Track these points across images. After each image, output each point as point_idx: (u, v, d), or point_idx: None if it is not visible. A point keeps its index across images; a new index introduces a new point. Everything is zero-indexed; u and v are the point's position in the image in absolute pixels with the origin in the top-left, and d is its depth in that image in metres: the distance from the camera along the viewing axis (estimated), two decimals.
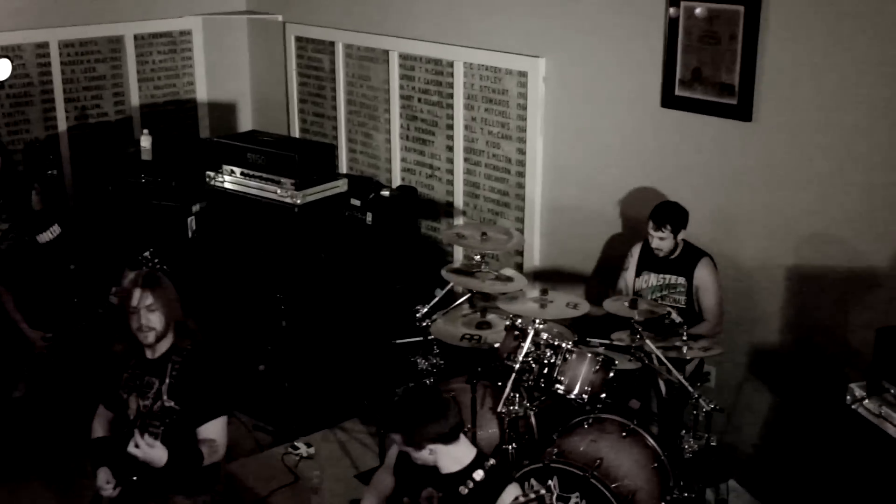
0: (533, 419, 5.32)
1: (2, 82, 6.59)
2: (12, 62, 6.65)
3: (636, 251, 5.68)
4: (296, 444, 6.08)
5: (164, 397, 3.97)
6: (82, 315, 6.20)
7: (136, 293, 4.13)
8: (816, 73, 5.10)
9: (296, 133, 8.23)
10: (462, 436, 3.70)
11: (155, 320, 4.14)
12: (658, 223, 5.43)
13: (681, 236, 5.46)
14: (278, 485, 5.74)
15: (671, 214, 5.44)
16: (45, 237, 6.10)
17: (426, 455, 3.62)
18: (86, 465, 4.31)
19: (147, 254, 4.95)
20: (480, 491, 3.51)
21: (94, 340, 5.99)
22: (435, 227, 7.26)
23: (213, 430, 4.16)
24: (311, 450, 6.03)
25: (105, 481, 4.14)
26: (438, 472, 3.63)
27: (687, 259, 5.49)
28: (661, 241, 5.45)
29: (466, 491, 3.52)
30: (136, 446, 3.86)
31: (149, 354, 4.21)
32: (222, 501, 4.43)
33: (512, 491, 3.60)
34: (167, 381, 4.01)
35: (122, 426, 4.21)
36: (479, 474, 3.54)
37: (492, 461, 3.65)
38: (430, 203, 7.24)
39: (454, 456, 3.64)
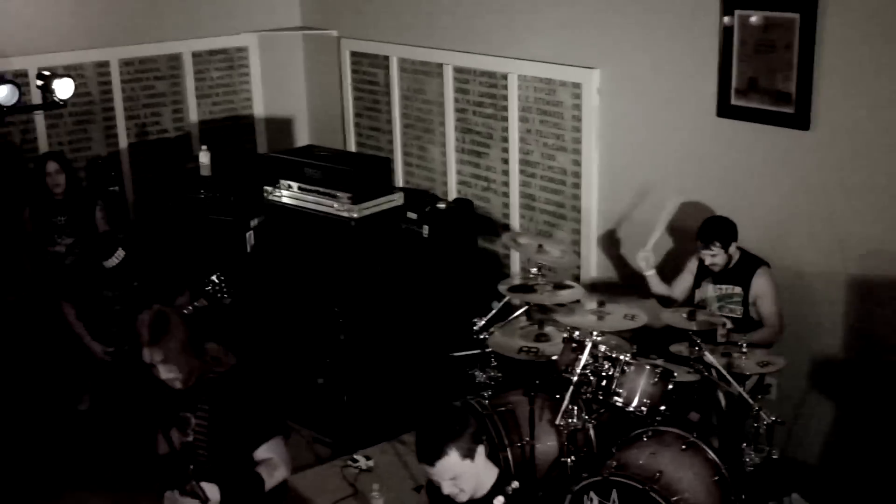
0: (592, 432, 5.29)
1: (65, 101, 6.71)
2: (74, 81, 6.77)
3: (695, 261, 5.64)
4: (355, 456, 6.10)
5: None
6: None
7: (146, 352, 3.95)
8: (874, 79, 5.04)
9: (352, 147, 8.28)
10: (481, 454, 3.46)
11: (174, 369, 3.97)
12: (706, 241, 5.39)
13: (733, 248, 5.40)
14: (337, 498, 5.76)
15: (717, 230, 5.39)
16: (111, 262, 6.17)
17: (469, 472, 3.39)
18: (154, 486, 4.28)
19: (214, 277, 4.86)
20: None
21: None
22: (492, 239, 7.26)
23: (270, 450, 4.01)
24: (370, 462, 6.05)
25: None
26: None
27: (744, 268, 5.44)
28: (714, 257, 5.40)
29: None
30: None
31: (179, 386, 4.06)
32: None
33: None
34: (191, 438, 3.90)
35: (173, 456, 4.13)
36: (499, 500, 3.36)
37: (515, 484, 3.44)
38: (486, 216, 7.25)
39: (477, 478, 3.42)
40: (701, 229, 5.44)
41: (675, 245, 6.10)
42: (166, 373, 3.97)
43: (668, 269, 5.99)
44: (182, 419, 4.02)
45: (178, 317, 4.08)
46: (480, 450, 3.45)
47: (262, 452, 4.00)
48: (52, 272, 6.64)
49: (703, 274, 5.56)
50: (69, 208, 6.81)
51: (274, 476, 3.99)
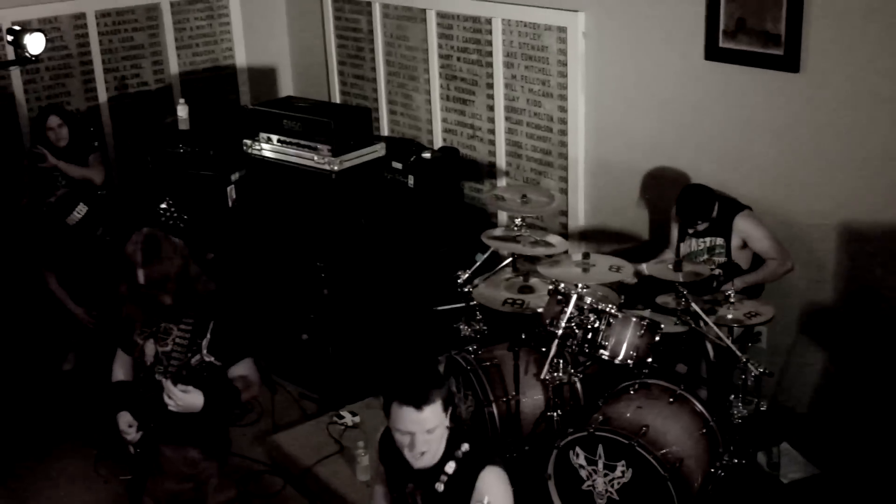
0: (578, 385, 5.22)
1: (37, 56, 6.54)
2: (47, 35, 6.60)
3: (675, 226, 5.52)
4: (341, 412, 6.04)
5: (204, 352, 3.92)
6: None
7: (140, 273, 3.99)
8: (863, 20, 4.88)
9: (336, 96, 8.13)
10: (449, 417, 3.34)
11: (167, 288, 4.02)
12: (689, 223, 5.29)
13: (714, 211, 5.28)
14: (323, 454, 5.70)
15: (697, 209, 5.27)
16: (73, 218, 6.10)
17: (440, 430, 3.25)
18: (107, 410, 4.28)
19: (164, 205, 4.83)
20: (456, 482, 3.26)
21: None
22: (478, 188, 7.14)
23: (243, 369, 4.14)
24: (356, 419, 5.99)
25: (127, 424, 4.11)
26: (413, 468, 3.33)
27: (723, 218, 5.31)
28: (699, 230, 5.30)
29: (442, 487, 3.28)
30: (170, 397, 3.86)
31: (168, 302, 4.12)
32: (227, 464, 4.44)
33: (488, 475, 3.29)
34: (208, 336, 3.94)
35: (139, 371, 4.19)
36: (450, 466, 3.27)
37: (465, 447, 3.32)
38: (472, 164, 7.12)
39: (442, 440, 3.31)
40: (680, 208, 5.32)
41: (653, 215, 6.06)
42: (158, 291, 4.00)
43: (654, 238, 5.91)
44: (165, 329, 4.10)
45: (165, 235, 4.18)
46: (450, 412, 3.31)
47: (237, 370, 4.12)
48: (38, 234, 6.50)
49: (686, 231, 5.42)
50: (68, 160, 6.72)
51: (247, 392, 4.11)
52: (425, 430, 3.21)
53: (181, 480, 4.25)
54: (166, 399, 3.89)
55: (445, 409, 3.27)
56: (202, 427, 4.14)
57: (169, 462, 4.21)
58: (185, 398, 3.89)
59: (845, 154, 5.11)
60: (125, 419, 4.13)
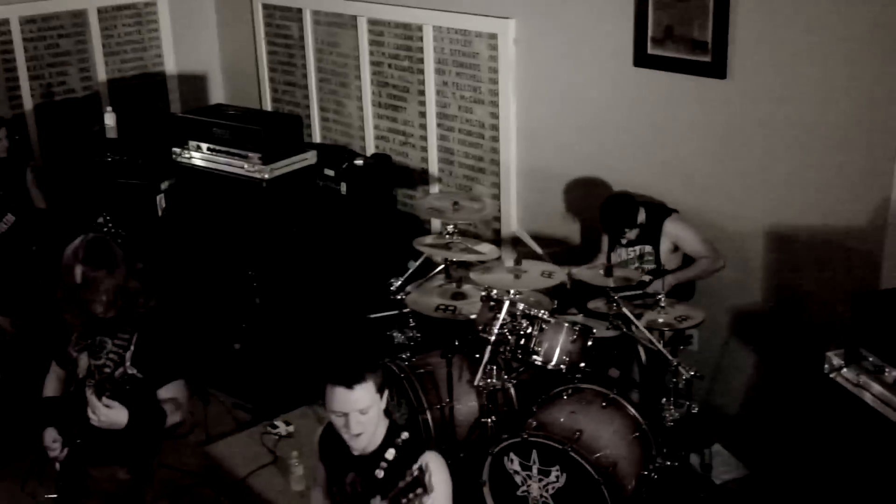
0: (512, 391, 5.23)
1: None
2: None
3: (605, 236, 5.57)
4: (275, 422, 6.00)
5: (128, 364, 3.85)
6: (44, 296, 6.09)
7: (78, 270, 3.94)
8: (789, 25, 4.95)
9: (268, 103, 8.06)
10: (383, 402, 3.45)
11: (103, 293, 3.96)
12: (615, 232, 5.33)
13: (640, 217, 5.32)
14: (257, 465, 5.65)
15: (619, 219, 5.30)
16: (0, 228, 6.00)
17: (375, 411, 3.36)
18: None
19: (101, 219, 4.80)
20: (396, 469, 3.31)
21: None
22: (411, 194, 7.13)
23: (173, 391, 4.06)
24: (290, 428, 5.95)
25: (52, 440, 4.04)
26: (355, 456, 3.43)
27: (651, 225, 5.35)
28: (630, 238, 5.35)
29: (382, 474, 3.35)
30: (94, 412, 3.77)
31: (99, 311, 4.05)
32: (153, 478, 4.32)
33: (427, 459, 3.35)
34: (131, 348, 3.88)
35: (70, 384, 4.11)
36: (390, 453, 3.37)
37: (405, 435, 3.44)
38: (405, 170, 7.10)
39: (377, 422, 3.42)
40: (604, 219, 5.36)
41: (584, 220, 6.10)
42: (91, 294, 3.94)
43: (585, 243, 5.99)
44: (99, 343, 4.02)
45: (111, 242, 4.14)
46: (385, 396, 3.44)
47: (166, 392, 4.04)
48: None
49: (617, 241, 5.46)
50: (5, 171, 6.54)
51: (174, 416, 4.03)
52: (358, 409, 3.31)
53: (108, 501, 4.18)
54: (90, 413, 3.80)
55: (380, 391, 3.38)
56: (128, 445, 4.06)
57: (95, 483, 4.12)
58: (109, 413, 3.79)
59: (771, 159, 5.18)
60: (51, 435, 4.05)
